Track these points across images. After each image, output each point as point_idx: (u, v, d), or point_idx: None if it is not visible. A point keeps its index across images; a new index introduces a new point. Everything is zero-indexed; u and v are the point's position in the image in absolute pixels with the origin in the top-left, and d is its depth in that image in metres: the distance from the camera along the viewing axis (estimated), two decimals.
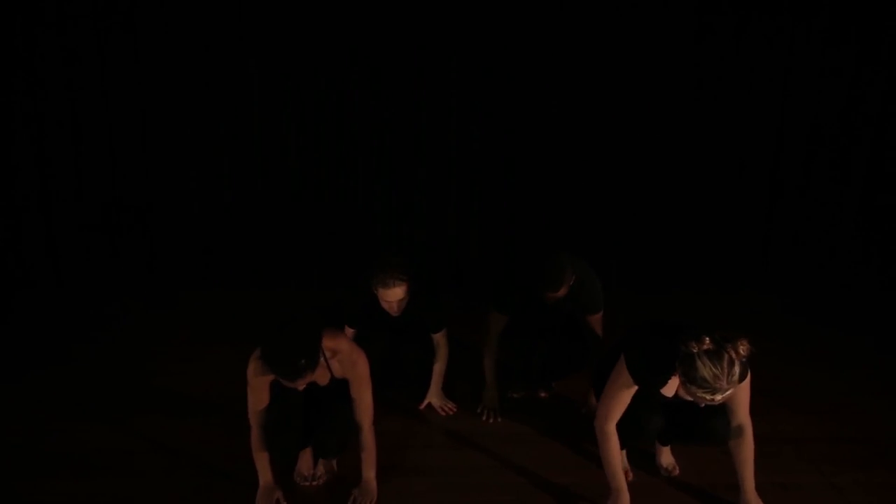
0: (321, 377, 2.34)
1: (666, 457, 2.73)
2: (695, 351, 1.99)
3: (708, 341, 2.00)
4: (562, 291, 2.73)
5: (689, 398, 2.10)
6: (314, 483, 2.60)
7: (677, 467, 2.70)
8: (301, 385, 2.20)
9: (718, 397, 2.02)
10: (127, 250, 4.83)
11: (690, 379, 2.00)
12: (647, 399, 2.34)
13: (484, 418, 3.06)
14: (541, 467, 2.72)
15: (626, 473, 2.59)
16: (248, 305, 4.41)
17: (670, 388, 2.22)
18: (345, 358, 2.36)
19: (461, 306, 3.70)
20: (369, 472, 2.50)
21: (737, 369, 2.00)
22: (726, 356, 1.98)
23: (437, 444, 2.87)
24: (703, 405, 2.12)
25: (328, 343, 2.28)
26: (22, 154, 4.58)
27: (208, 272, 4.90)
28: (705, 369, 1.97)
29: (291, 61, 4.52)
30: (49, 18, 4.29)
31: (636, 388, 2.27)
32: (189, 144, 4.65)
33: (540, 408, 3.21)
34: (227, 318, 4.25)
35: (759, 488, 2.55)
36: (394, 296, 2.75)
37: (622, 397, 2.31)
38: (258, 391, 2.34)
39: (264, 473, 2.44)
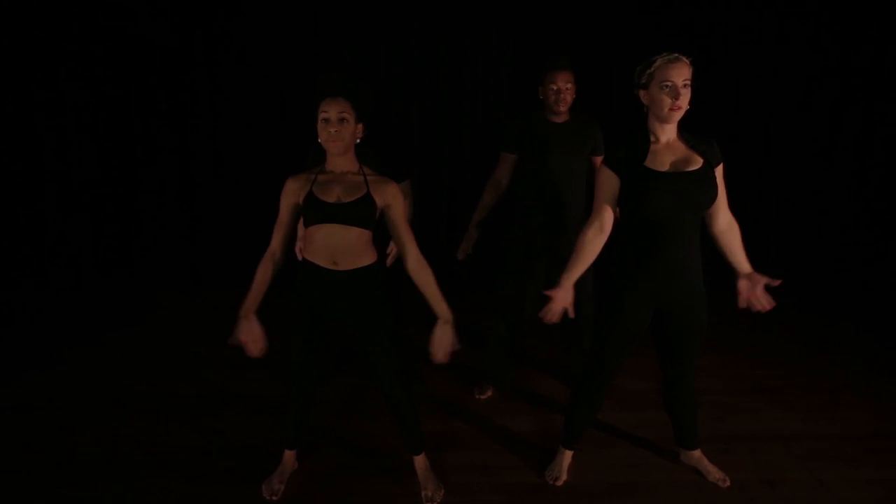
0: (350, 189, 2.26)
1: (702, 464, 2.70)
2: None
3: None
4: (570, 73, 2.95)
5: (665, 115, 2.17)
6: (274, 498, 2.52)
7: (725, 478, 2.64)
8: (333, 128, 2.19)
9: (685, 72, 2.13)
10: (117, 250, 4.85)
11: (649, 76, 2.17)
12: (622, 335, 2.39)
13: (461, 257, 3.21)
14: (532, 467, 2.74)
15: (560, 478, 2.63)
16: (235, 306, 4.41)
17: (659, 157, 2.23)
18: (378, 179, 2.31)
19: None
20: (441, 307, 2.33)
21: None
22: None
23: (428, 445, 2.88)
24: (674, 104, 2.15)
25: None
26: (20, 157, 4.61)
27: (196, 274, 4.93)
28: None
29: (282, 62, 4.54)
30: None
31: (617, 178, 2.26)
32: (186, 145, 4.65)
33: (529, 407, 3.23)
34: (217, 319, 4.25)
35: (747, 485, 2.59)
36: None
37: (605, 188, 2.30)
38: (287, 197, 2.31)
39: (251, 303, 2.35)
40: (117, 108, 4.57)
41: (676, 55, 2.16)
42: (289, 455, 2.66)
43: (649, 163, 2.23)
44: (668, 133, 2.26)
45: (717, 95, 4.63)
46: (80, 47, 4.47)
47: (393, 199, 2.30)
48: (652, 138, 2.26)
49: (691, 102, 2.20)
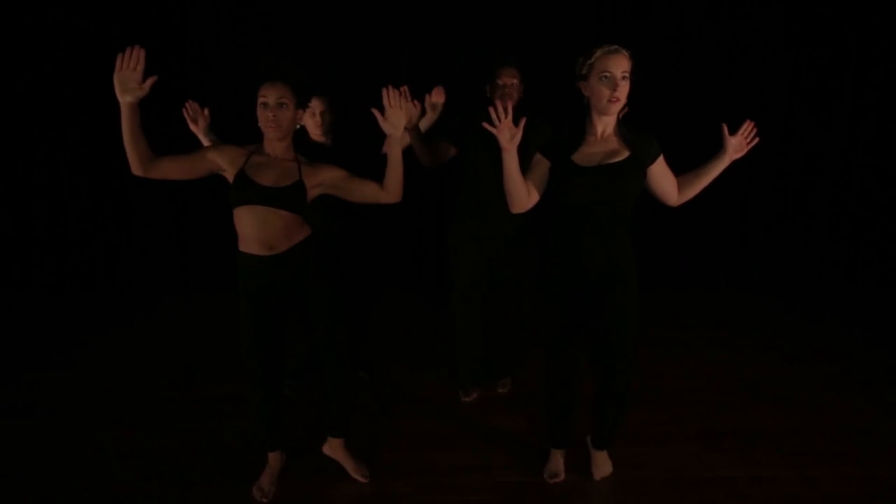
0: (284, 174, 2.27)
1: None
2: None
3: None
4: (516, 70, 2.93)
5: (603, 104, 2.18)
6: (265, 500, 2.52)
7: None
8: (271, 113, 2.19)
9: (624, 63, 2.15)
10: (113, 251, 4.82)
11: (590, 66, 2.17)
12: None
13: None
14: (525, 466, 2.76)
15: (558, 476, 2.66)
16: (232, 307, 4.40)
17: (588, 150, 2.25)
18: (310, 164, 2.33)
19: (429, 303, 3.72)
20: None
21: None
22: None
23: (420, 446, 2.89)
24: (612, 96, 2.15)
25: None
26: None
27: (186, 275, 4.92)
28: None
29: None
30: None
31: (547, 163, 2.29)
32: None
33: (521, 408, 3.25)
34: (208, 321, 4.25)
35: (736, 482, 2.62)
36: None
37: (535, 168, 2.31)
38: (216, 153, 2.30)
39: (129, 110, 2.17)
40: (106, 108, 4.55)
41: (616, 47, 2.17)
42: (273, 457, 2.64)
43: (576, 156, 2.25)
44: (605, 125, 2.26)
45: (706, 95, 4.68)
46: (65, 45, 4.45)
47: (327, 173, 2.33)
48: (589, 130, 2.28)
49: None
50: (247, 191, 2.22)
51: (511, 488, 2.61)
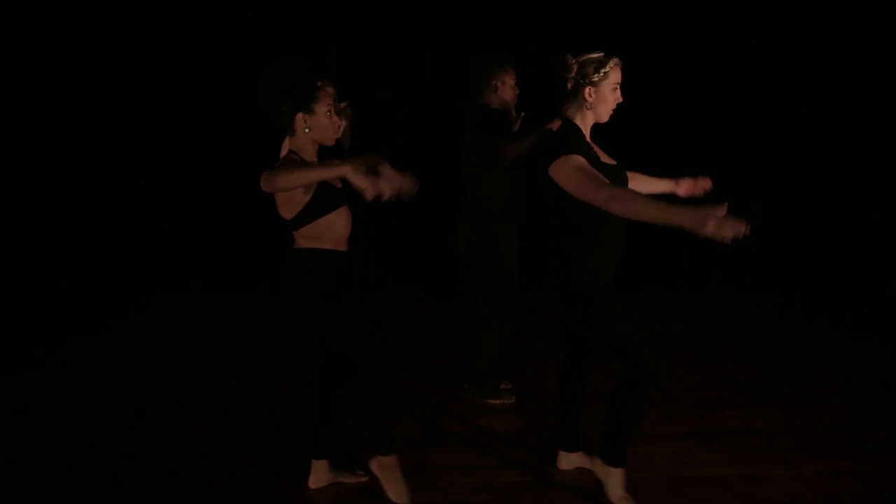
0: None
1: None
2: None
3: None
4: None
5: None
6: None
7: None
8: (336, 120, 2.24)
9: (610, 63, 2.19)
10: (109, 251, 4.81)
11: (604, 74, 2.19)
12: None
13: None
14: (520, 466, 2.76)
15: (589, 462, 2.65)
16: (225, 307, 4.40)
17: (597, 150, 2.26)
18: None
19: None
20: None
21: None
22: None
23: (415, 446, 2.89)
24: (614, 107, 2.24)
25: None
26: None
27: (182, 275, 4.90)
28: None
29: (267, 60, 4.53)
30: None
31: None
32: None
33: (512, 407, 3.25)
34: (206, 321, 4.24)
35: (729, 481, 2.63)
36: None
37: (592, 169, 2.14)
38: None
39: (330, 166, 2.15)
40: (105, 110, 4.54)
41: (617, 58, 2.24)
42: (317, 465, 2.57)
43: (602, 157, 2.27)
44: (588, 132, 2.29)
45: (701, 98, 4.70)
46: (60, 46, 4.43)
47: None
48: (583, 132, 2.27)
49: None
50: (336, 195, 2.28)
51: (506, 489, 2.61)
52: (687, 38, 4.70)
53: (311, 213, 2.23)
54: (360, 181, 2.20)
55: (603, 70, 2.21)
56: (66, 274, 4.83)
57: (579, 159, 2.13)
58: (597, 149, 2.29)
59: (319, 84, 2.23)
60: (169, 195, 4.79)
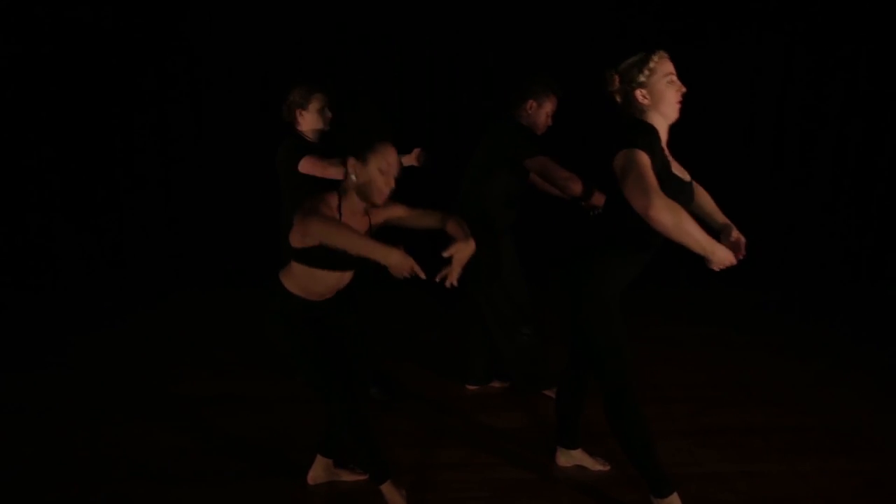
0: (361, 220, 2.25)
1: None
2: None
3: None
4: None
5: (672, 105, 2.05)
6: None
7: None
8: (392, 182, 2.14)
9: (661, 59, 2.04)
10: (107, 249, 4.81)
11: (651, 70, 2.02)
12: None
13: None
14: (518, 463, 2.76)
15: (599, 462, 2.67)
16: (224, 304, 4.39)
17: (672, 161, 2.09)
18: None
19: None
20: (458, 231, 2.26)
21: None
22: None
23: (410, 443, 2.89)
24: (679, 97, 2.06)
25: None
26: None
27: (185, 272, 4.90)
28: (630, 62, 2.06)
29: (265, 58, 4.53)
30: None
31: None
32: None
33: (511, 404, 3.25)
34: (209, 318, 4.23)
35: (728, 477, 2.62)
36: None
37: (650, 171, 1.92)
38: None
39: (374, 246, 2.02)
40: (105, 108, 4.53)
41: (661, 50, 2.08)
42: (319, 462, 2.55)
43: (675, 169, 2.08)
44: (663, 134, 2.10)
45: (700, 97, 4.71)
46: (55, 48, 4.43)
47: (391, 212, 2.37)
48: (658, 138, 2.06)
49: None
50: (349, 260, 2.19)
51: (506, 485, 2.61)
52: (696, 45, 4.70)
53: (315, 258, 2.15)
54: (396, 272, 2.06)
55: (647, 67, 2.04)
56: (63, 272, 4.83)
57: (642, 156, 1.91)
58: (673, 161, 2.09)
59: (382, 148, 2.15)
60: (168, 194, 4.79)
